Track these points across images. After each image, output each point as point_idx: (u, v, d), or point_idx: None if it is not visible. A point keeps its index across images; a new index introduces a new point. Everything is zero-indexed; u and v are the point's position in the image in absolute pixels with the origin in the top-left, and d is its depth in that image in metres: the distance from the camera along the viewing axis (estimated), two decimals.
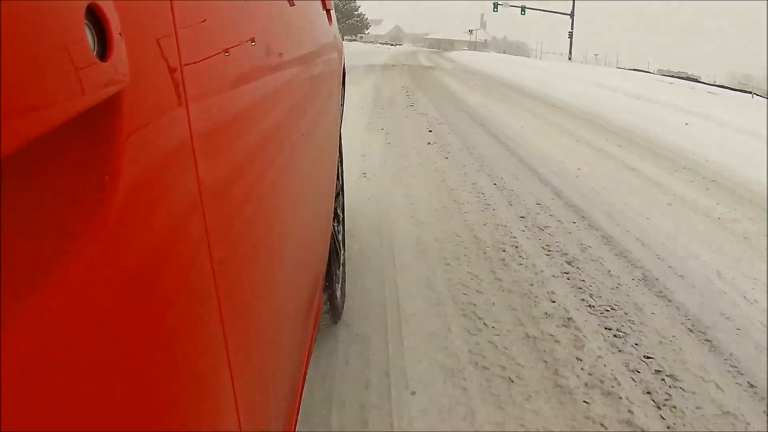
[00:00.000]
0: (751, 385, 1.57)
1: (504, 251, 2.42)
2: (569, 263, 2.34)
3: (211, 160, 0.40)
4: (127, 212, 0.28)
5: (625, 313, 1.93)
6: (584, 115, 7.32)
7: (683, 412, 1.43)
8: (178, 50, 0.36)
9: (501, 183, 3.56)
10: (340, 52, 1.95)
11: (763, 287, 2.21)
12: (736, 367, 1.65)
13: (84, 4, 0.24)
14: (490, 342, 1.69)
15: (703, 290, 2.15)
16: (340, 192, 1.96)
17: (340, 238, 1.88)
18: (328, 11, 1.63)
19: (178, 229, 0.35)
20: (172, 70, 0.35)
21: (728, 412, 1.44)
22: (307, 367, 0.98)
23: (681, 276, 2.26)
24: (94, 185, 0.26)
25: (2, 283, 0.21)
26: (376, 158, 4.05)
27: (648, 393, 1.50)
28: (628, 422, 1.38)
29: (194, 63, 0.39)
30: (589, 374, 1.56)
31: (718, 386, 1.55)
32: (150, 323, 0.31)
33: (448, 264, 2.25)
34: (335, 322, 1.71)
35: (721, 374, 1.61)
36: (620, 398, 1.47)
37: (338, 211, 1.90)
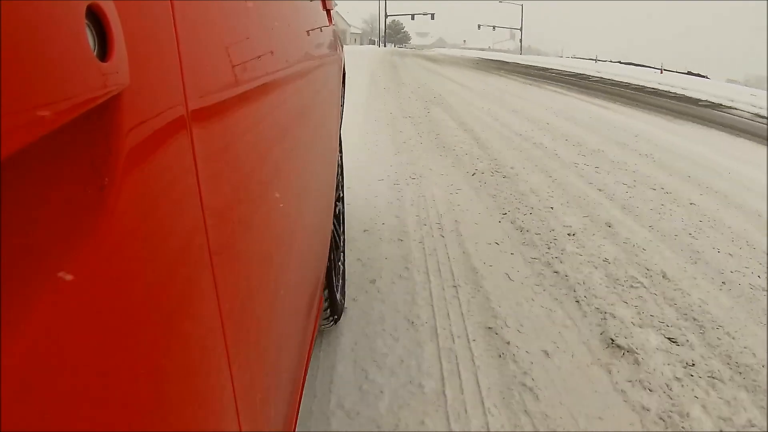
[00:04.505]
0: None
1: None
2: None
3: (210, 161, 0.40)
4: (126, 213, 0.28)
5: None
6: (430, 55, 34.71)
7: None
8: (178, 50, 0.36)
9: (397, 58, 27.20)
10: (341, 53, 1.95)
11: None
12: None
13: (84, 4, 0.24)
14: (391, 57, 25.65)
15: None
16: (340, 191, 1.96)
17: (340, 239, 1.88)
18: (328, 11, 1.63)
19: (177, 230, 0.35)
20: (172, 70, 0.35)
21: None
22: (307, 367, 0.98)
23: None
24: (94, 185, 0.26)
25: (2, 283, 0.21)
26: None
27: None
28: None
29: (194, 63, 0.39)
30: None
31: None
32: (150, 323, 0.31)
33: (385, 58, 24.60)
34: (336, 323, 1.71)
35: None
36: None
37: (338, 211, 1.90)
